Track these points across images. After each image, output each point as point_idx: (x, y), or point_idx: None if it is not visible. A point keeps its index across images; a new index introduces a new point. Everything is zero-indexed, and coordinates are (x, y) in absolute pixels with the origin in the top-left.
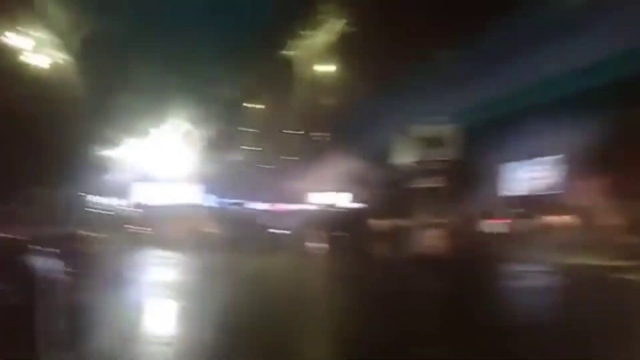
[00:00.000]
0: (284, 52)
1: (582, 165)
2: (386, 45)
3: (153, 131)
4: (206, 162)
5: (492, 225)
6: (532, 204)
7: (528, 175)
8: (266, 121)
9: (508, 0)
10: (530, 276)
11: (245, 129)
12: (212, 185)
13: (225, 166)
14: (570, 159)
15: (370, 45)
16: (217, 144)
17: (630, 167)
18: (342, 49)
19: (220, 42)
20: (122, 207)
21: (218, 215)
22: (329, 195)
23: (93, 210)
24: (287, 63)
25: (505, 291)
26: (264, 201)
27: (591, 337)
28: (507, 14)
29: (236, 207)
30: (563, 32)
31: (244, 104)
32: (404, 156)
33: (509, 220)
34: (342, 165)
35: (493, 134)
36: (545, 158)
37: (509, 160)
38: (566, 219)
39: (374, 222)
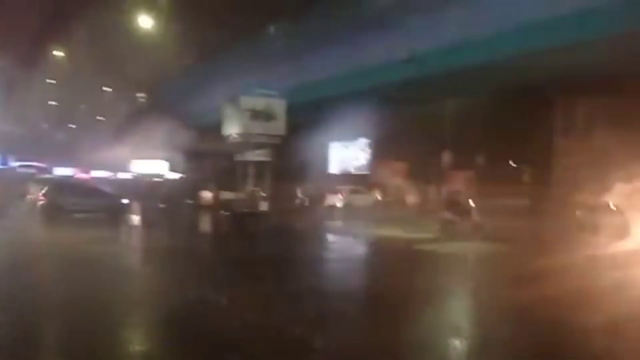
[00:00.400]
0: None
1: (386, 149)
2: (220, 12)
3: None
4: None
5: (331, 199)
6: (349, 181)
7: (347, 155)
8: (76, 74)
9: None
10: (341, 245)
11: (50, 81)
12: (1, 143)
13: (20, 122)
14: (377, 143)
15: (203, 8)
16: (13, 95)
17: (424, 154)
18: (174, 6)
19: None
20: None
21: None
22: (148, 163)
23: None
24: (102, 9)
25: (314, 258)
26: (70, 166)
27: (384, 296)
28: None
29: (30, 170)
30: (384, 25)
31: (52, 52)
32: (231, 127)
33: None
34: (164, 131)
35: (317, 114)
36: (361, 140)
37: (332, 140)
38: (376, 196)
39: (203, 194)
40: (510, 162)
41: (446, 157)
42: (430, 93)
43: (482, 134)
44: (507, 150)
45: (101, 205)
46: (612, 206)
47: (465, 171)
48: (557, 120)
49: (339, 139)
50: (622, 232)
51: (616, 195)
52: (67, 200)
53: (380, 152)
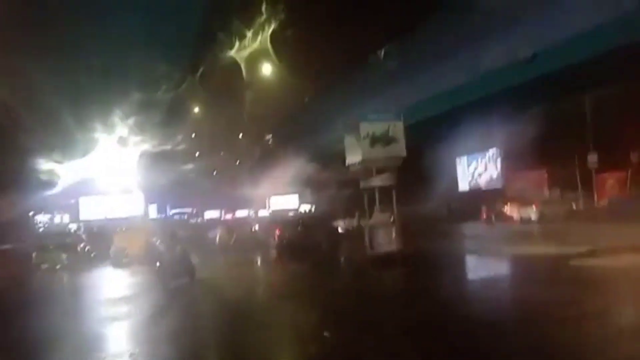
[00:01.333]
0: (226, 53)
1: (520, 158)
2: (328, 45)
3: (93, 141)
4: (151, 171)
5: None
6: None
7: (477, 169)
8: (214, 127)
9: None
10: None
11: (191, 135)
12: (159, 195)
13: (172, 175)
14: (509, 152)
15: (312, 45)
16: (162, 152)
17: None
18: (285, 49)
19: (159, 44)
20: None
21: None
22: (284, 199)
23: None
24: (230, 65)
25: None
26: (217, 208)
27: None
28: (446, 12)
29: (185, 217)
30: (497, 29)
31: (191, 109)
32: (353, 156)
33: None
34: (292, 167)
35: (439, 130)
36: (490, 151)
37: (459, 155)
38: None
39: (336, 224)
40: None
41: (592, 158)
42: (559, 91)
43: (632, 128)
44: None
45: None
46: None
47: (619, 171)
48: None
49: (466, 152)
50: None
51: None
52: None
53: (514, 161)
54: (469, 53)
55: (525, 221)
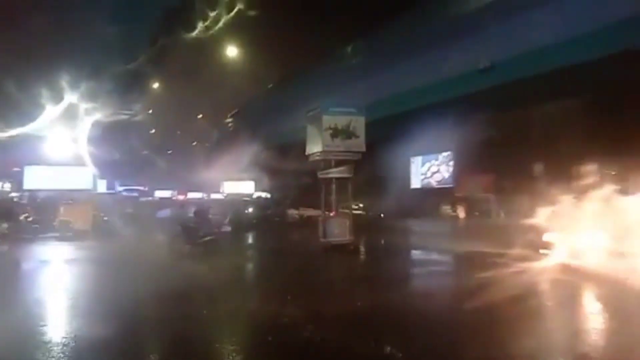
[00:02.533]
0: (190, 32)
1: (471, 161)
2: (294, 34)
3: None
4: (103, 144)
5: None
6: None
7: (430, 169)
8: (172, 104)
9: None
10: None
11: (148, 111)
12: (109, 170)
13: (124, 150)
14: (461, 155)
15: (278, 32)
16: (114, 126)
17: (513, 165)
18: (251, 34)
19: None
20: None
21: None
22: (239, 184)
23: None
24: (194, 44)
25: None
26: (168, 189)
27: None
28: (412, 15)
29: (135, 195)
30: (459, 37)
31: (149, 84)
32: (313, 146)
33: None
34: (250, 153)
35: (397, 128)
36: (444, 153)
37: (414, 155)
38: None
39: (291, 212)
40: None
41: (538, 168)
42: (513, 100)
43: (579, 139)
44: (605, 157)
45: None
46: None
47: (561, 181)
48: None
49: (421, 152)
50: None
51: None
52: None
53: (465, 164)
54: (431, 57)
55: (469, 220)
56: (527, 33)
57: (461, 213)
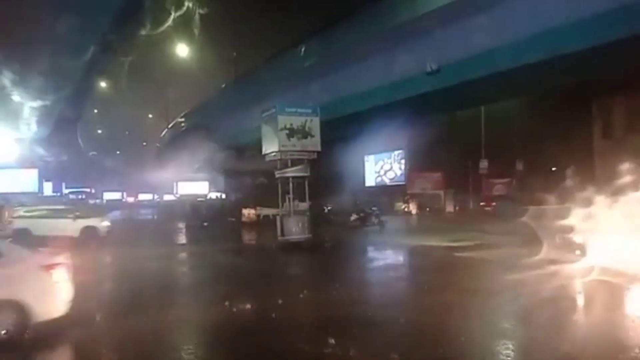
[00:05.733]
0: (141, 29)
1: (421, 159)
2: (249, 34)
3: None
4: (48, 146)
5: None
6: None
7: (383, 167)
8: (120, 103)
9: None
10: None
11: (93, 111)
12: (55, 172)
13: (69, 151)
14: (412, 153)
15: (233, 32)
16: (59, 126)
17: (461, 162)
18: (205, 33)
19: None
20: None
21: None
22: (193, 184)
23: None
24: (144, 42)
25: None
26: (118, 190)
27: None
28: (364, 17)
29: (82, 197)
30: (408, 41)
31: (96, 83)
32: (269, 146)
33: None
34: (204, 153)
35: (351, 128)
36: (396, 152)
37: (368, 153)
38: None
39: (245, 211)
40: (551, 167)
41: (483, 164)
42: (460, 102)
43: (520, 139)
44: (547, 155)
45: None
46: None
47: (504, 178)
48: (596, 122)
49: (374, 151)
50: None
51: None
52: None
53: (416, 162)
54: (382, 59)
55: (421, 216)
56: (472, 37)
57: (413, 209)
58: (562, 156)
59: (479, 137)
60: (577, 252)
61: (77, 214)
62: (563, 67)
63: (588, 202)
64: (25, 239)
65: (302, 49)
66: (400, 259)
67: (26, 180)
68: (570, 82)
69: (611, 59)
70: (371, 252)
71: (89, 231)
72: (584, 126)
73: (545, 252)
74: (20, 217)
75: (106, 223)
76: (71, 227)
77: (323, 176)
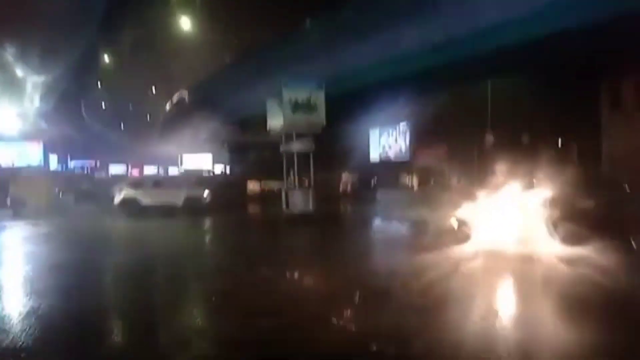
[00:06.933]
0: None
1: (427, 133)
2: (253, 6)
3: None
4: (53, 119)
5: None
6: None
7: (388, 142)
8: (124, 77)
9: None
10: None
11: (98, 85)
12: (60, 145)
13: (75, 124)
14: (418, 128)
15: (236, 7)
16: (64, 99)
17: (466, 137)
18: (209, 5)
19: None
20: None
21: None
22: (197, 158)
23: None
24: (148, 15)
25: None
26: (122, 163)
27: None
28: None
29: (88, 170)
30: (416, 13)
31: (100, 58)
32: (274, 120)
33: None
34: (209, 127)
35: (356, 102)
36: (401, 126)
37: (372, 127)
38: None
39: (249, 184)
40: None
41: (489, 138)
42: (467, 77)
43: (526, 112)
44: (553, 129)
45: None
46: None
47: (510, 152)
48: (605, 97)
49: (378, 125)
50: None
51: None
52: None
53: (421, 136)
54: (388, 32)
55: (424, 190)
56: (479, 10)
57: (416, 183)
58: (568, 131)
59: (485, 111)
60: (465, 235)
61: (182, 184)
62: (572, 40)
63: (494, 190)
64: (134, 208)
65: (308, 22)
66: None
67: (31, 154)
68: (580, 56)
69: (621, 32)
70: (373, 224)
71: (191, 200)
72: (592, 100)
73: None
74: (128, 188)
75: (206, 193)
76: (176, 196)
77: (327, 150)
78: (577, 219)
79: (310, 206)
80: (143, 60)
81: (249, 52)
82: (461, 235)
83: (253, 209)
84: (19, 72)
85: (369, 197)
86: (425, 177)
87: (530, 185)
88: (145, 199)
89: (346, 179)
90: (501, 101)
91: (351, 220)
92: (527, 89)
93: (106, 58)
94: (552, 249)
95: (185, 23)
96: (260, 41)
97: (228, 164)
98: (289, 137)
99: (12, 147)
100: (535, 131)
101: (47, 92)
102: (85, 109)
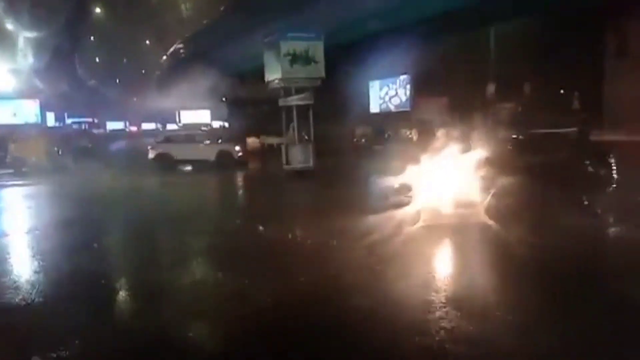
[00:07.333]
0: None
1: (428, 84)
2: None
3: None
4: (48, 76)
5: None
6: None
7: (388, 93)
8: (116, 30)
9: None
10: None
11: (92, 38)
12: (56, 102)
13: (70, 80)
14: (419, 78)
15: None
16: (58, 55)
17: (467, 87)
18: None
19: None
20: None
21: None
22: (195, 113)
23: None
24: None
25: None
26: (120, 120)
27: None
28: None
29: (86, 127)
30: None
31: (91, 10)
32: (272, 73)
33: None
34: (205, 81)
35: (356, 53)
36: (402, 77)
37: (372, 79)
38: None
39: (249, 140)
40: (559, 90)
41: (490, 89)
42: (471, 22)
43: (529, 62)
44: (555, 77)
45: None
46: None
47: (511, 103)
48: (609, 43)
49: (379, 77)
50: None
51: None
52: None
53: (422, 88)
54: None
55: (424, 142)
56: None
57: (415, 136)
58: (571, 78)
59: (487, 60)
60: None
61: (214, 139)
62: None
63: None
64: (167, 162)
65: None
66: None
67: (28, 112)
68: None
69: None
70: (356, 180)
71: (224, 155)
72: (595, 45)
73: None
74: (161, 142)
75: (237, 148)
76: (208, 151)
77: (328, 104)
78: (511, 176)
79: (311, 162)
80: (135, 11)
81: (245, 0)
82: (403, 196)
83: (253, 165)
84: (10, 27)
85: (377, 150)
86: (424, 129)
87: (467, 148)
88: (179, 153)
89: (360, 131)
90: (505, 50)
91: (340, 176)
92: (530, 38)
93: (97, 9)
94: (479, 208)
95: None
96: None
97: (227, 120)
98: (287, 91)
99: (8, 105)
100: (539, 81)
101: (40, 48)
102: (80, 64)
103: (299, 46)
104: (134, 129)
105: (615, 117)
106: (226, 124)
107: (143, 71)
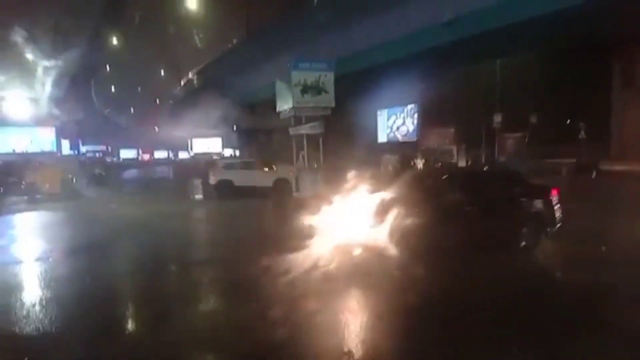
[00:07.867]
0: None
1: (435, 114)
2: None
3: None
4: (64, 105)
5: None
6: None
7: (395, 123)
8: (132, 60)
9: None
10: None
11: (108, 67)
12: (71, 130)
13: (85, 109)
14: (426, 108)
15: None
16: (75, 84)
17: (474, 117)
18: None
19: None
20: None
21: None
22: (207, 141)
23: None
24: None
25: None
26: (133, 148)
27: None
28: None
29: (100, 155)
30: None
31: (108, 41)
32: (283, 103)
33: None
34: (218, 110)
35: (364, 83)
36: (409, 107)
37: (380, 108)
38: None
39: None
40: (566, 121)
41: (497, 118)
42: (477, 54)
43: (535, 92)
44: (562, 108)
45: None
46: None
47: (518, 133)
48: (615, 75)
49: (387, 106)
50: None
51: None
52: None
53: (429, 117)
54: (398, 11)
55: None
56: None
57: (421, 165)
58: (578, 108)
59: (494, 91)
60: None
61: (272, 167)
62: (581, 17)
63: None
64: (228, 189)
65: (316, 2)
66: None
67: (44, 139)
68: (589, 33)
69: (631, 8)
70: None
71: (280, 182)
72: (601, 77)
73: None
74: (223, 169)
75: (294, 174)
76: (267, 178)
77: (336, 133)
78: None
79: (320, 189)
80: (150, 42)
81: (257, 32)
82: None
83: (263, 192)
84: (30, 56)
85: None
86: (433, 159)
87: (374, 189)
88: (239, 180)
89: (386, 161)
90: (511, 81)
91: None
92: (536, 69)
93: (114, 41)
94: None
95: (193, 3)
96: (268, 21)
97: (237, 148)
98: (298, 120)
99: (25, 133)
100: (545, 112)
101: (58, 76)
102: (96, 93)
103: (310, 76)
104: (146, 157)
105: (623, 148)
106: (237, 152)
107: (157, 100)
